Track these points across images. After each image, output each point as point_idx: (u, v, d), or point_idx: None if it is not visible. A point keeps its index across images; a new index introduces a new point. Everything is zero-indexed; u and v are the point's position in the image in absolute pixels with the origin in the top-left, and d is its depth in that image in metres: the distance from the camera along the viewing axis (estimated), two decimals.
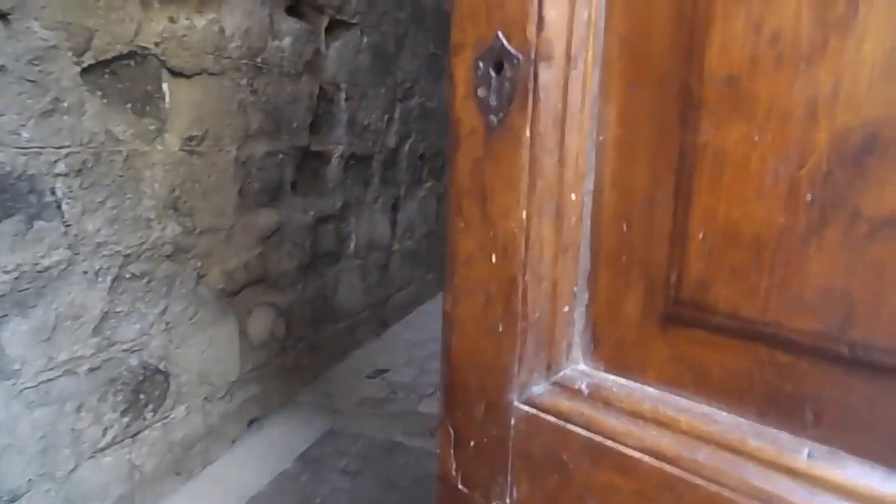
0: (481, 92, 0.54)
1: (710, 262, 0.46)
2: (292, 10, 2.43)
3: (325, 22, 2.66)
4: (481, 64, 0.54)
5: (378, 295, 3.51)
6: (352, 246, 3.15)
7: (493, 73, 0.53)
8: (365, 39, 3.04)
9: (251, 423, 2.43)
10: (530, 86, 0.51)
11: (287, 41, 2.39)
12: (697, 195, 0.47)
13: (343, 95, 2.88)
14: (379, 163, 3.34)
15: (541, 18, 0.50)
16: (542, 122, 0.52)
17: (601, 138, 0.53)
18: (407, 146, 3.68)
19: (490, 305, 0.57)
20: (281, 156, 2.45)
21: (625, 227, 0.52)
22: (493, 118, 0.54)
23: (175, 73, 1.87)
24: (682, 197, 0.48)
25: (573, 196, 0.54)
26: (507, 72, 0.52)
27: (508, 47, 0.52)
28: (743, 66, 0.43)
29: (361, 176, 3.17)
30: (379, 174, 3.36)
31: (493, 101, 0.54)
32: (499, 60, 0.53)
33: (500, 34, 0.52)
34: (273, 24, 2.30)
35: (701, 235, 0.47)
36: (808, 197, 0.41)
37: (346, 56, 2.89)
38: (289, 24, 2.40)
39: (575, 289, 0.56)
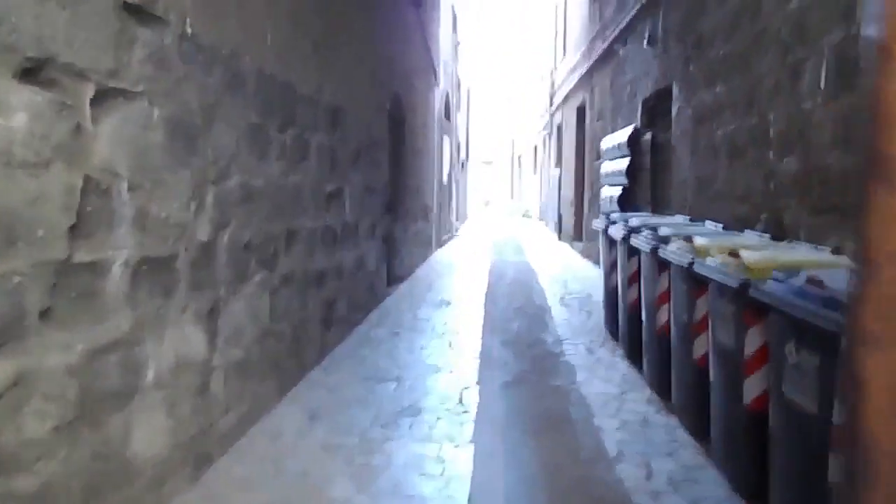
0: None
1: None
2: (29, 76, 1.74)
3: (88, 91, 1.98)
4: None
5: (194, 428, 2.75)
6: (150, 375, 2.40)
7: None
8: (157, 112, 2.39)
9: None
10: None
11: (20, 119, 1.69)
12: None
13: (125, 185, 2.19)
14: (186, 263, 2.65)
15: None
16: None
17: None
18: (225, 237, 3.01)
19: None
20: (18, 279, 1.71)
21: None
22: None
23: None
24: None
25: None
26: None
27: None
28: None
29: (160, 283, 2.46)
30: (187, 277, 2.66)
31: None
32: None
33: None
34: None
35: None
36: None
37: (129, 134, 2.22)
38: (23, 96, 1.71)
39: None
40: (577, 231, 12.50)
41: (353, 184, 5.50)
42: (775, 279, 2.35)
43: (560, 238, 14.57)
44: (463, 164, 19.60)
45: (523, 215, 25.25)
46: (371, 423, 3.55)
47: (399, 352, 5.03)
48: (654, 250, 3.84)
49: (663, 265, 3.84)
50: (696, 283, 3.24)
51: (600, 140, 9.42)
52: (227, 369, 3.07)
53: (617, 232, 4.89)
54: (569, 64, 13.43)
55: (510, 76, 31.13)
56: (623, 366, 4.71)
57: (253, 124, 3.30)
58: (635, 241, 4.33)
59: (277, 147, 3.69)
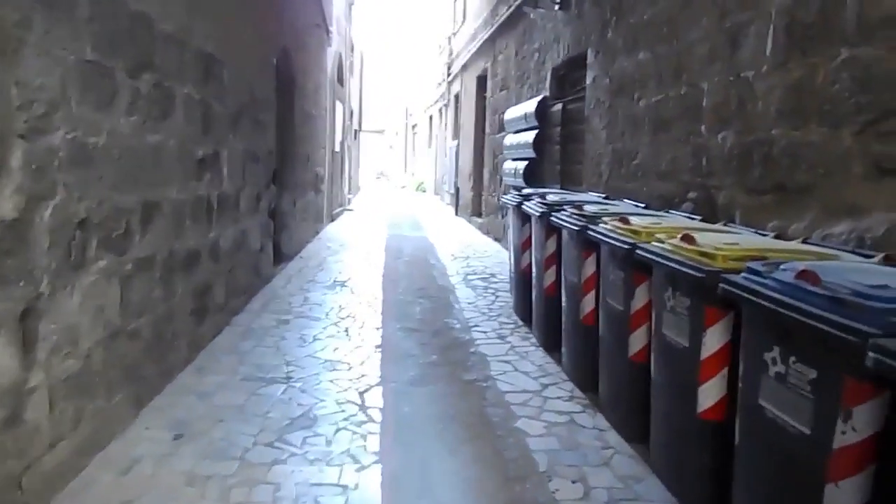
0: None
1: None
2: None
3: None
4: None
5: None
6: None
7: None
8: None
9: None
10: None
11: None
12: None
13: None
14: None
15: None
16: None
17: None
18: (47, 212, 2.22)
19: None
20: None
21: None
22: None
23: None
24: None
25: None
26: None
27: None
28: None
29: None
30: None
31: None
32: None
33: None
34: None
35: None
36: None
37: None
38: None
39: None
40: (475, 206, 12.15)
41: (232, 148, 4.69)
42: (754, 271, 1.97)
43: (457, 213, 14.20)
44: (356, 133, 18.69)
45: (417, 188, 24.73)
46: (254, 440, 2.90)
47: (288, 344, 4.35)
48: (582, 230, 3.43)
49: (591, 247, 3.45)
50: (637, 269, 2.85)
51: (503, 111, 9.03)
52: (54, 388, 2.31)
53: (533, 209, 4.47)
54: (468, 30, 12.93)
55: (405, 41, 30.23)
56: (538, 356, 4.33)
57: (88, 62, 2.49)
58: (556, 219, 3.91)
59: (128, 96, 2.88)
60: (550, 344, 4.36)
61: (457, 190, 14.36)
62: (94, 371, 2.63)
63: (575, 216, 3.64)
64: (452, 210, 14.83)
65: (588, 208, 3.72)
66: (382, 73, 31.91)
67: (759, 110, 3.12)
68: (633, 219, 3.11)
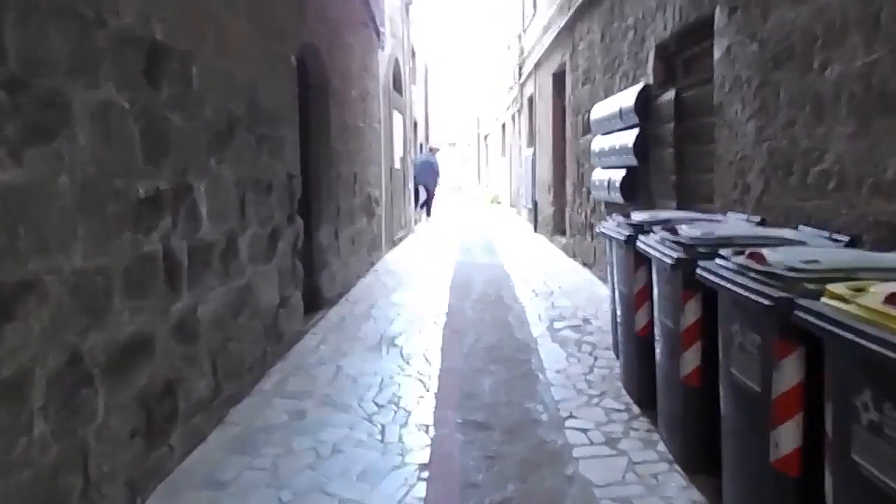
0: None
1: None
2: None
3: None
4: None
5: None
6: None
7: None
8: None
9: None
10: None
11: None
12: None
13: None
14: None
15: None
16: None
17: None
18: None
19: None
20: None
21: None
22: None
23: None
24: None
25: None
26: None
27: None
28: None
29: None
30: None
31: None
32: None
33: None
34: None
35: None
36: None
37: None
38: None
39: None
40: (557, 223, 10.50)
41: (216, 177, 3.36)
42: None
43: (536, 230, 12.57)
44: (422, 146, 17.42)
45: (492, 201, 23.24)
46: None
47: (291, 463, 2.93)
48: (782, 305, 1.81)
49: (795, 338, 1.83)
50: None
51: (588, 110, 7.39)
52: None
53: (660, 251, 2.86)
54: (541, 23, 11.34)
55: (471, 49, 28.93)
56: (675, 485, 2.71)
57: None
58: (709, 275, 2.30)
59: None
60: (694, 460, 2.76)
61: (535, 204, 12.73)
62: None
63: (758, 278, 2.02)
64: (531, 226, 13.21)
65: (773, 258, 2.08)
66: (451, 85, 30.73)
67: None
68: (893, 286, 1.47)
